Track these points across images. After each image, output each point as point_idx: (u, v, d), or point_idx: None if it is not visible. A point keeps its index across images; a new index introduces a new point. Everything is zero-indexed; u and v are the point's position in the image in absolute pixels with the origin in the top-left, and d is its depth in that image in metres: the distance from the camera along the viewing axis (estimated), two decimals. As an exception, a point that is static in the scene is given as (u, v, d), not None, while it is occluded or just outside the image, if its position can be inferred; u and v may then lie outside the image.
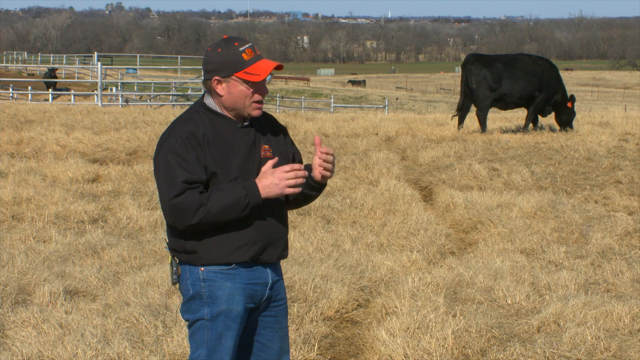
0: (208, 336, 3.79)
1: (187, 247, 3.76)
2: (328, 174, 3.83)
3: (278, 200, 3.84)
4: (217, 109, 3.83)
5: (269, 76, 3.82)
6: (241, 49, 3.75)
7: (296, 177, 3.71)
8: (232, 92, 3.78)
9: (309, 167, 3.88)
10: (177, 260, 3.82)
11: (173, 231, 3.79)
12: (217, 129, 3.78)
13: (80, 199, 10.58)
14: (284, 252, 3.91)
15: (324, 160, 3.81)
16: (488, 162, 13.86)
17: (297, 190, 3.74)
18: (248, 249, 3.77)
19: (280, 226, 3.87)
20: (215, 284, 3.77)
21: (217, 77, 3.78)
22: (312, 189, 3.88)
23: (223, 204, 3.65)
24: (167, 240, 3.85)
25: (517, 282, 7.34)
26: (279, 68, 3.80)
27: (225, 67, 3.75)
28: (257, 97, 3.80)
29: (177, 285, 3.87)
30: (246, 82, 3.76)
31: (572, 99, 18.23)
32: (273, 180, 3.70)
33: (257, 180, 3.71)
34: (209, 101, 3.85)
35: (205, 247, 3.74)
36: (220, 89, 3.79)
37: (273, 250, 3.84)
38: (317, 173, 3.82)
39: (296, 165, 3.73)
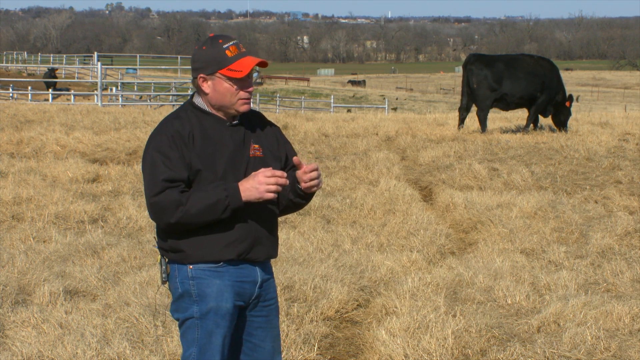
0: (198, 334, 3.79)
1: (175, 246, 3.78)
2: (315, 189, 3.85)
3: (268, 200, 3.85)
4: (206, 107, 3.85)
5: (256, 74, 3.83)
6: (225, 46, 3.77)
7: (277, 184, 3.70)
8: (217, 89, 3.79)
9: (292, 175, 3.86)
10: (166, 259, 3.83)
11: (161, 230, 3.81)
12: (205, 127, 3.80)
13: (80, 199, 10.58)
14: (272, 251, 3.92)
15: (310, 179, 3.80)
16: (488, 162, 13.86)
17: (274, 196, 3.73)
18: (235, 246, 3.78)
19: (269, 226, 3.87)
20: (203, 282, 3.78)
21: (202, 75, 3.80)
22: (300, 197, 3.89)
23: (202, 205, 3.66)
24: (156, 239, 3.86)
25: (517, 282, 7.34)
26: (262, 64, 3.81)
27: (210, 65, 3.77)
28: (242, 94, 3.80)
29: (167, 285, 3.88)
30: (230, 79, 3.77)
31: (571, 98, 18.26)
32: (253, 183, 3.69)
33: (240, 183, 3.71)
34: (198, 100, 3.87)
35: (192, 245, 3.76)
36: (206, 86, 3.81)
37: (260, 249, 3.85)
38: (305, 186, 3.83)
39: (278, 172, 3.71)
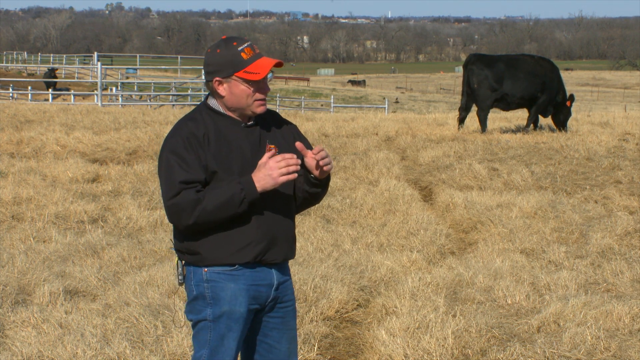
0: (210, 337, 3.80)
1: (191, 248, 3.78)
2: (329, 167, 3.79)
3: (284, 200, 3.84)
4: (221, 109, 3.83)
5: (270, 74, 3.82)
6: (240, 48, 3.75)
7: (288, 165, 3.68)
8: (233, 92, 3.78)
9: (303, 167, 3.84)
10: (183, 262, 3.84)
11: (178, 232, 3.81)
12: (220, 128, 3.78)
13: (80, 199, 10.58)
14: (289, 253, 3.89)
15: (320, 159, 3.77)
16: (488, 162, 13.86)
17: (292, 176, 3.70)
18: (251, 249, 3.76)
19: (286, 226, 3.85)
20: (218, 285, 3.77)
21: (217, 78, 3.78)
22: (315, 186, 3.85)
23: (219, 200, 3.65)
24: (173, 242, 3.87)
25: (517, 282, 7.34)
26: (278, 65, 3.79)
27: (225, 68, 3.75)
28: (258, 95, 3.79)
29: (184, 286, 3.88)
30: (247, 81, 3.76)
31: (572, 98, 18.26)
32: (266, 171, 3.68)
33: (253, 174, 3.70)
34: (212, 102, 3.85)
35: (208, 248, 3.75)
36: (222, 89, 3.79)
37: (277, 251, 3.83)
38: (318, 172, 3.79)
39: (287, 155, 3.70)
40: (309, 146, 3.87)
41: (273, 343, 3.92)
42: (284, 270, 3.92)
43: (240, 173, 3.73)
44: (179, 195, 3.66)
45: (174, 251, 3.88)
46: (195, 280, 3.80)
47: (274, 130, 3.89)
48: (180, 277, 3.85)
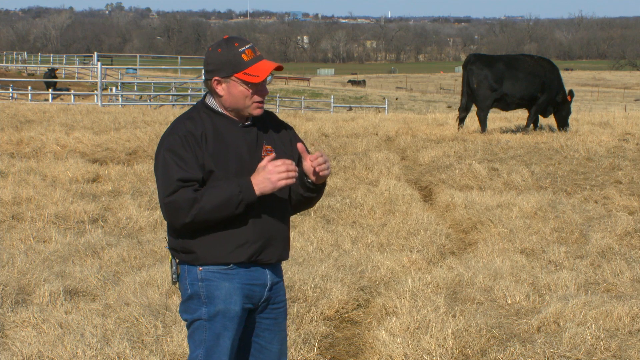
0: (206, 336, 3.79)
1: (186, 247, 3.77)
2: (325, 173, 3.79)
3: (280, 201, 3.84)
4: (219, 108, 3.83)
5: (270, 77, 3.82)
6: (241, 49, 3.76)
7: (288, 170, 3.69)
8: (231, 92, 3.78)
9: (300, 169, 3.84)
10: (177, 260, 3.83)
11: (172, 231, 3.80)
12: (218, 128, 3.78)
13: (80, 199, 10.58)
14: (284, 253, 3.90)
15: (317, 165, 3.77)
16: (488, 162, 13.86)
17: (291, 181, 3.71)
18: (246, 249, 3.77)
19: (281, 227, 3.86)
20: (213, 284, 3.77)
21: (217, 78, 3.78)
22: (310, 190, 3.86)
23: (216, 200, 3.65)
24: (168, 240, 3.86)
25: (517, 282, 7.34)
26: (279, 69, 3.80)
27: (225, 68, 3.75)
28: (256, 97, 3.80)
29: (177, 285, 3.88)
30: (246, 83, 3.76)
31: (572, 93, 18.29)
32: (265, 175, 3.68)
33: (252, 177, 3.70)
34: (211, 101, 3.85)
35: (203, 247, 3.75)
36: (220, 89, 3.79)
37: (272, 251, 3.84)
38: (315, 178, 3.80)
39: (287, 161, 3.71)
40: (307, 150, 3.88)
41: (264, 344, 3.93)
42: (277, 271, 3.93)
43: (237, 173, 3.73)
44: (177, 193, 3.66)
45: (168, 249, 3.87)
46: (190, 279, 3.80)
47: (271, 131, 3.89)
48: (174, 276, 3.85)
